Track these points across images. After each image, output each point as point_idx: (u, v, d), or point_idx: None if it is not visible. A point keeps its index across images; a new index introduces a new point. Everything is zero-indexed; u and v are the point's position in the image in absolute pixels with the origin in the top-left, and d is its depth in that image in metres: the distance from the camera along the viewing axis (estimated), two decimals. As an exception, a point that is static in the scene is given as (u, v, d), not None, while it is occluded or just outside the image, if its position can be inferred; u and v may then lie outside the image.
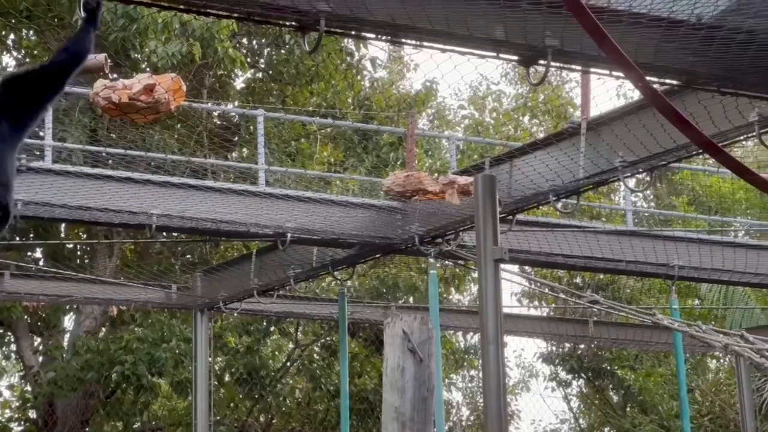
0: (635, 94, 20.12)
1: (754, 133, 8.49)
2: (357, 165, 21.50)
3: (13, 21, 19.77)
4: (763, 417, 21.26)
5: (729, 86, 7.41)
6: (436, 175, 14.85)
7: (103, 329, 22.23)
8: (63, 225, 21.13)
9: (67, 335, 23.10)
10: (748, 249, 14.17)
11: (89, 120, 18.51)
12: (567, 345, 26.72)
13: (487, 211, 8.22)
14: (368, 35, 7.09)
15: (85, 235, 22.07)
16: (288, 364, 24.57)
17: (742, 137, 9.09)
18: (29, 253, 21.96)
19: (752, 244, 14.65)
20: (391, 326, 9.54)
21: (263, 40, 22.11)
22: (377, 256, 14.65)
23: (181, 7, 6.85)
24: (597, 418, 29.58)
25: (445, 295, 23.86)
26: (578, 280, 26.28)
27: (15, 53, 21.89)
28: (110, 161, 14.67)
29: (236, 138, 20.92)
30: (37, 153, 13.20)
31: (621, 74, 6.72)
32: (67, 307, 21.62)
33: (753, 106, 8.26)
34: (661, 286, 23.92)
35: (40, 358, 22.18)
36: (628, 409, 27.80)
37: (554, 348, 27.61)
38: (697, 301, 24.91)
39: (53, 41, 20.20)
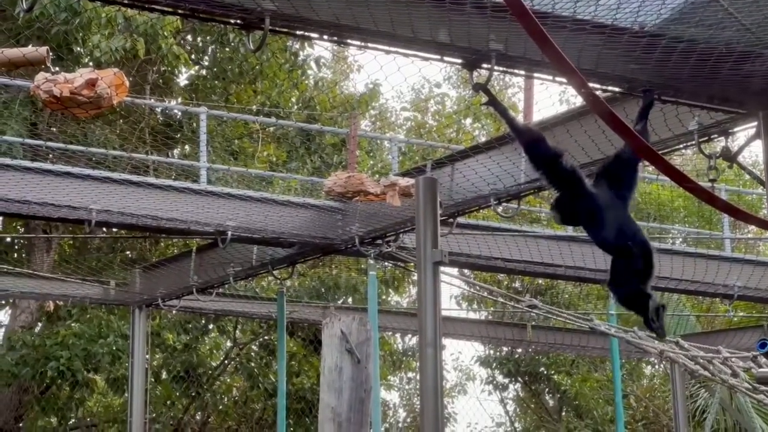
0: (578, 100, 20.26)
1: (694, 142, 8.56)
2: (299, 168, 21.48)
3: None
4: (696, 423, 21.46)
5: (669, 94, 7.47)
6: (377, 176, 14.87)
7: (39, 324, 22.05)
8: (1, 218, 20.94)
9: (2, 330, 22.88)
10: (685, 256, 14.30)
11: (30, 113, 18.35)
12: (504, 348, 26.84)
13: (428, 214, 8.23)
14: (313, 35, 7.07)
15: (23, 229, 21.88)
16: (226, 362, 24.50)
17: (681, 145, 9.17)
18: (-35, 246, 21.75)
19: (689, 252, 14.79)
20: (330, 326, 9.55)
21: (208, 38, 22.02)
22: (317, 256, 14.64)
23: (125, 1, 6.80)
24: (533, 421, 29.74)
25: (384, 297, 23.89)
26: (517, 284, 26.43)
27: (-44, 44, 21.67)
28: (50, 155, 14.56)
29: (178, 135, 20.82)
30: (-24, 146, 13.10)
31: (563, 80, 6.76)
32: (3, 301, 21.42)
33: (693, 115, 8.33)
34: (599, 292, 24.11)
35: (-26, 353, 21.98)
36: (563, 413, 27.97)
37: (492, 351, 27.73)
38: (633, 308, 25.06)
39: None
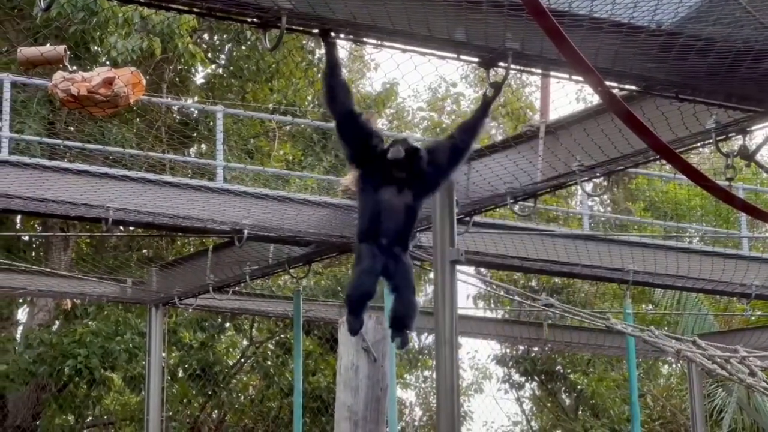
0: (594, 99, 20.22)
1: (711, 141, 8.53)
2: (315, 164, 21.48)
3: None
4: (714, 423, 21.41)
5: (687, 93, 7.45)
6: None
7: (57, 322, 22.10)
8: (18, 217, 21.00)
9: (20, 328, 22.96)
10: (703, 255, 14.25)
11: (47, 112, 18.41)
12: (521, 347, 26.81)
13: (444, 213, 8.25)
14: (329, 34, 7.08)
15: (40, 228, 21.94)
16: (242, 360, 24.53)
17: (698, 144, 9.14)
18: (-17, 245, 21.81)
19: (706, 251, 14.74)
20: (346, 325, 9.55)
21: (224, 36, 22.06)
22: (334, 254, 14.63)
23: (142, 0, 6.82)
24: (549, 420, 29.70)
25: (400, 295, 23.83)
26: (533, 282, 26.37)
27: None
28: (68, 154, 14.59)
29: (195, 134, 20.85)
30: (-6, 144, 13.10)
31: (580, 78, 6.75)
32: (21, 299, 21.49)
33: (710, 114, 8.31)
34: (616, 291, 24.06)
35: (-8, 351, 22.05)
36: (579, 412, 27.93)
37: (508, 350, 27.70)
38: (650, 306, 25.04)
39: (12, 31, 20.08)
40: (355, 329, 6.89)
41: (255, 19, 6.60)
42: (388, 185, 6.55)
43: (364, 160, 6.66)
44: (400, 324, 6.84)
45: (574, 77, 7.18)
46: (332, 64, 6.59)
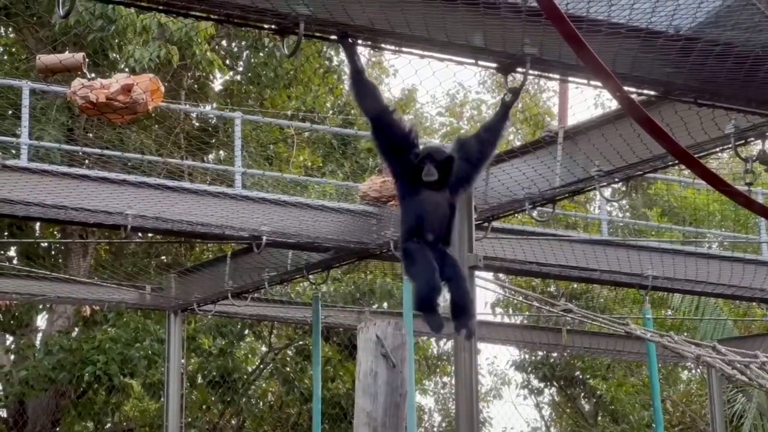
0: (613, 104, 20.18)
1: (730, 145, 8.52)
2: (335, 170, 21.50)
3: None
4: (734, 429, 21.33)
5: (706, 98, 7.43)
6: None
7: (76, 329, 22.14)
8: (38, 224, 21.05)
9: (40, 334, 23.01)
10: (721, 261, 14.20)
11: (66, 119, 18.46)
12: (540, 353, 26.76)
13: (463, 218, 8.25)
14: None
15: (59, 234, 21.99)
16: (261, 367, 24.54)
17: (718, 149, 9.12)
18: (2, 252, 21.86)
19: (725, 256, 14.69)
20: (365, 331, 9.52)
21: (242, 43, 22.09)
22: (352, 260, 14.62)
23: (161, 7, 6.84)
24: (568, 426, 29.64)
25: (419, 302, 23.81)
26: (552, 288, 26.33)
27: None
28: (87, 160, 14.62)
29: (213, 140, 20.89)
30: (13, 151, 13.16)
31: (599, 83, 6.74)
32: (40, 306, 21.54)
33: (729, 118, 8.28)
34: (635, 296, 23.99)
35: (12, 357, 22.08)
36: (599, 418, 27.87)
37: (527, 356, 27.66)
38: (669, 312, 24.96)
39: (31, 39, 20.15)
40: (437, 327, 6.77)
41: (273, 26, 6.61)
42: (425, 185, 6.57)
43: (399, 160, 6.66)
44: (462, 311, 6.76)
45: (593, 82, 7.17)
46: (354, 69, 6.58)
